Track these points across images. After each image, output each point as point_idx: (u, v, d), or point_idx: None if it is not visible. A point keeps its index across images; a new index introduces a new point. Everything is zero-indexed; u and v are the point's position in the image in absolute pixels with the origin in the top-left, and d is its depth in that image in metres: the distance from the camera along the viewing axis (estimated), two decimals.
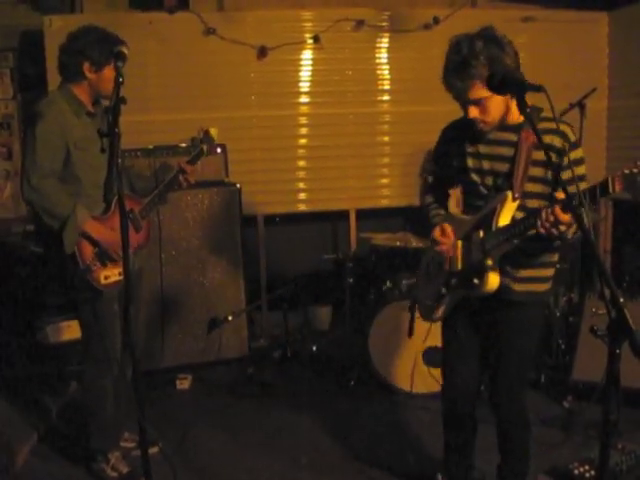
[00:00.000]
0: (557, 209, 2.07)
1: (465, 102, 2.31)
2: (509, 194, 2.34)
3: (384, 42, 5.07)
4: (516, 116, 2.36)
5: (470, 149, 2.49)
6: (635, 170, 1.87)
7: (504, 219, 2.35)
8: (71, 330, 4.19)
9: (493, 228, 2.36)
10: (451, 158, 2.59)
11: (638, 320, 1.63)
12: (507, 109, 2.36)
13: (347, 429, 3.64)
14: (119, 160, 2.16)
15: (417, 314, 3.76)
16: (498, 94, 1.99)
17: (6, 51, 4.84)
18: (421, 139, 4.79)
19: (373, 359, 4.01)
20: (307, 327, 5.20)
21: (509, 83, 1.91)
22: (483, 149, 2.46)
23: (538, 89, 1.78)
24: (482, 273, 2.38)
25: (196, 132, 3.36)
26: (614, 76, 5.25)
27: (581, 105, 4.24)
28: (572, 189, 2.00)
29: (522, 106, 1.85)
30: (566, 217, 2.06)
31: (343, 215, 5.27)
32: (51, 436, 3.58)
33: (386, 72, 5.11)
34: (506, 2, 5.35)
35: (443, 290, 2.59)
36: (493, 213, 2.37)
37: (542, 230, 2.13)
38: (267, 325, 5.12)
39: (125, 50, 2.24)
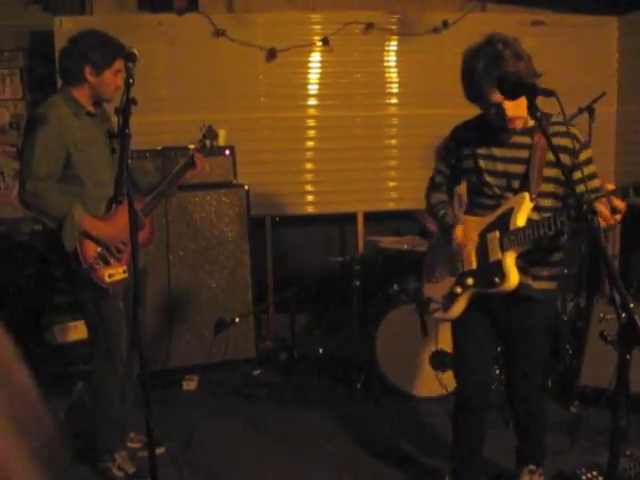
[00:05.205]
0: (614, 200, 2.13)
1: (499, 102, 2.31)
2: (527, 195, 2.41)
3: (393, 45, 5.06)
4: (529, 120, 2.42)
5: (483, 151, 2.53)
6: None
7: (521, 219, 2.41)
8: (78, 330, 4.20)
9: (511, 228, 2.42)
10: (461, 158, 2.62)
11: None
12: None
13: (353, 432, 3.64)
14: (129, 160, 2.17)
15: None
16: (510, 99, 2.00)
17: (16, 51, 4.86)
18: (429, 142, 4.77)
19: (380, 362, 3.99)
20: (314, 329, 5.20)
21: (521, 87, 1.91)
22: (497, 152, 2.50)
23: (550, 94, 1.78)
24: (502, 271, 2.42)
25: (199, 129, 3.35)
26: (624, 81, 5.22)
27: (590, 109, 4.23)
28: (583, 188, 2.27)
29: (533, 110, 1.85)
30: (620, 203, 2.13)
31: (351, 218, 5.25)
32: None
33: (395, 75, 5.09)
34: (516, 6, 5.34)
35: (457, 289, 2.62)
36: (510, 213, 2.43)
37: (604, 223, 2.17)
38: (274, 327, 5.12)
39: (135, 51, 2.26)
